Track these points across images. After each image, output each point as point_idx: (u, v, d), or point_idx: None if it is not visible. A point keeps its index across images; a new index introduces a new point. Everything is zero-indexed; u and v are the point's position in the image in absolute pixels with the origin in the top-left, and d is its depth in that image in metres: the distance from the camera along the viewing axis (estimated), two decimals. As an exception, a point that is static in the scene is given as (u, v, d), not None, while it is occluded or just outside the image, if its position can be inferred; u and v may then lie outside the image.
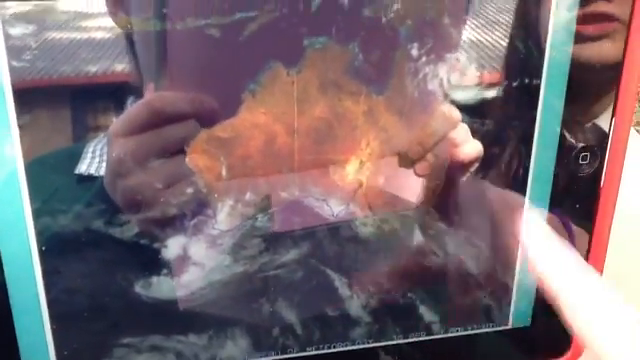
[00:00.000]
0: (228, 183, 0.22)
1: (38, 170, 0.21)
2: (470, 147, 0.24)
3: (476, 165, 0.24)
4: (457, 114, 0.24)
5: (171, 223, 0.23)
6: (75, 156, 0.22)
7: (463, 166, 0.24)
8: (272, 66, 0.21)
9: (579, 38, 0.23)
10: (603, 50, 0.24)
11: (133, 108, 0.21)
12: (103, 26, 0.20)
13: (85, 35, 0.20)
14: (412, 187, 0.25)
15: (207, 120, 0.22)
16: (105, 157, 0.22)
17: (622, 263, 0.33)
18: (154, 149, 0.22)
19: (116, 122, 0.21)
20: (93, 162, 0.22)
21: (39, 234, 0.22)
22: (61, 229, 0.22)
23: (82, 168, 0.22)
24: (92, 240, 0.22)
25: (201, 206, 0.23)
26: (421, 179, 0.24)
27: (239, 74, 0.21)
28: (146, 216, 0.22)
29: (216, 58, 0.21)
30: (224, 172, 0.22)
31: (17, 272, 0.22)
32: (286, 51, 0.21)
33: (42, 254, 0.22)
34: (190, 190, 0.22)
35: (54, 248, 0.22)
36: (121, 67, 0.21)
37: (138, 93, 0.21)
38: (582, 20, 0.23)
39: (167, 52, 0.21)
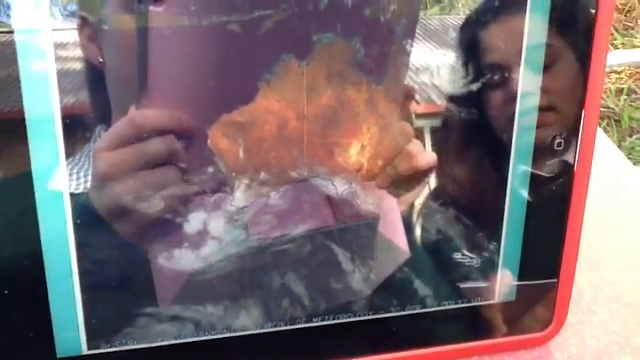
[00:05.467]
0: (245, 163, 0.25)
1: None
2: (426, 157, 0.27)
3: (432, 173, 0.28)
4: (411, 129, 0.27)
5: (193, 200, 0.25)
6: None
7: (421, 173, 0.27)
8: (285, 58, 0.24)
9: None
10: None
11: (118, 124, 0.24)
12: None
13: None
14: None
15: (185, 134, 0.24)
16: (83, 175, 0.24)
17: (597, 241, 0.37)
18: (137, 161, 0.24)
19: (102, 138, 0.24)
20: (72, 182, 0.24)
21: (74, 209, 0.24)
22: (93, 205, 0.24)
23: None
24: (121, 214, 0.24)
25: (220, 184, 0.25)
26: None
27: (256, 65, 0.24)
28: (171, 194, 0.25)
29: (236, 51, 0.24)
30: (241, 153, 0.25)
31: (53, 245, 0.24)
32: (298, 45, 0.24)
33: (76, 227, 0.24)
34: (211, 170, 0.25)
35: (87, 222, 0.24)
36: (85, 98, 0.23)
37: (107, 122, 0.24)
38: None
39: (153, 66, 0.23)
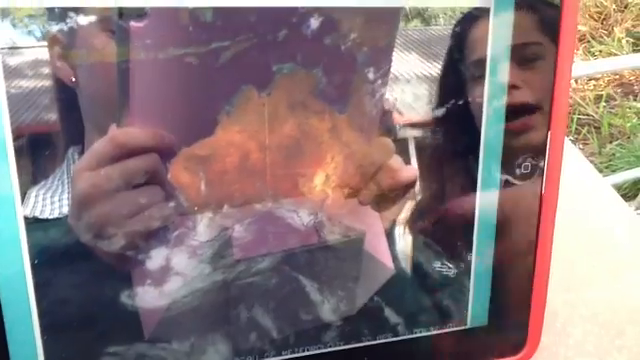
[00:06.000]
0: (207, 197, 0.25)
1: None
2: (407, 171, 0.27)
3: (413, 187, 0.27)
4: (392, 145, 0.27)
5: (155, 236, 0.24)
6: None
7: (403, 188, 0.27)
8: (245, 89, 0.24)
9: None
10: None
11: (98, 143, 0.23)
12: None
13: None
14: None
15: (167, 152, 0.24)
16: (57, 200, 0.24)
17: (570, 260, 0.36)
18: (119, 180, 0.24)
19: (82, 158, 0.23)
20: (37, 206, 0.24)
21: (31, 248, 0.23)
22: (52, 243, 0.24)
23: (27, 210, 0.23)
24: (81, 253, 0.24)
25: (182, 219, 0.25)
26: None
27: (215, 97, 0.24)
28: (131, 230, 0.24)
29: (194, 83, 0.23)
30: (203, 187, 0.24)
31: (10, 285, 0.23)
32: (257, 76, 0.24)
33: (34, 267, 0.23)
34: (172, 204, 0.24)
35: (45, 261, 0.24)
36: (56, 117, 0.23)
37: (80, 143, 0.23)
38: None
39: (134, 86, 0.23)
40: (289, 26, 0.24)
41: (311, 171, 0.26)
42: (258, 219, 0.25)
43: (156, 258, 0.25)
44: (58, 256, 0.24)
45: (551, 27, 0.27)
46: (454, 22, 0.26)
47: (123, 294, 0.25)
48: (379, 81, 0.25)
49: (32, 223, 0.23)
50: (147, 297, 0.25)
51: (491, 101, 0.27)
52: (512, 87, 0.27)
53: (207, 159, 0.24)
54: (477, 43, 0.26)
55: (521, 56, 0.27)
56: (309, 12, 0.24)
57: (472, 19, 0.26)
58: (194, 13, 0.23)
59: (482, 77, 0.27)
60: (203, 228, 0.25)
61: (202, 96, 0.24)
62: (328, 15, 0.24)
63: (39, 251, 0.23)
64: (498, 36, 0.26)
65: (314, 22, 0.24)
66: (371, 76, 0.25)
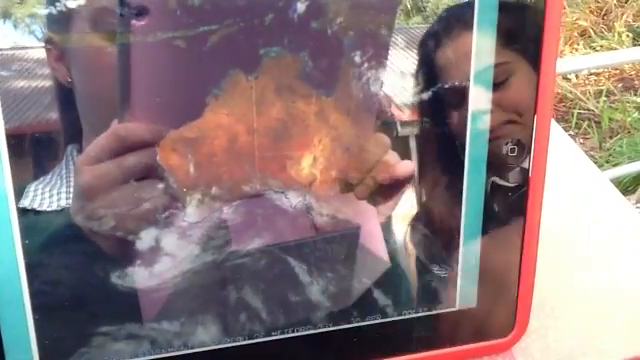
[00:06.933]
0: (196, 179, 0.25)
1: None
2: (403, 166, 0.28)
3: (411, 181, 0.28)
4: (387, 140, 0.27)
5: (145, 217, 0.25)
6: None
7: (400, 182, 0.28)
8: (233, 73, 0.24)
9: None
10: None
11: (100, 138, 0.24)
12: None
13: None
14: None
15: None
16: (56, 194, 0.24)
17: (561, 246, 0.37)
18: (121, 174, 0.24)
19: (84, 153, 0.24)
20: (35, 199, 0.24)
21: (23, 230, 0.24)
22: (43, 224, 0.24)
23: (25, 203, 0.24)
24: (72, 233, 0.24)
25: (172, 200, 0.25)
26: None
27: (204, 80, 0.24)
28: (122, 211, 0.25)
29: (182, 66, 0.24)
30: (192, 169, 0.25)
31: (1, 266, 0.24)
32: (245, 59, 0.24)
33: (25, 248, 0.24)
34: (161, 186, 0.25)
35: (36, 242, 0.24)
36: (55, 117, 0.23)
37: (78, 140, 0.24)
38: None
39: (134, 77, 0.23)
40: (276, 10, 0.24)
41: (299, 154, 0.26)
42: (247, 201, 0.26)
43: (146, 239, 0.25)
44: (51, 241, 0.24)
45: (537, 11, 0.27)
46: (440, 12, 0.27)
47: (114, 275, 0.25)
48: (365, 65, 0.26)
49: (28, 214, 0.24)
50: (138, 278, 0.25)
51: (477, 81, 0.27)
52: (498, 69, 0.27)
53: (195, 141, 0.25)
54: (462, 28, 0.27)
55: (506, 38, 0.27)
56: (295, -4, 0.24)
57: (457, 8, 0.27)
58: (182, -2, 0.23)
59: (468, 60, 0.27)
60: (192, 210, 0.25)
61: (190, 79, 0.24)
62: (314, -1, 0.24)
63: (32, 237, 0.24)
64: (484, 20, 0.27)
65: (300, 6, 0.24)
66: (357, 60, 0.25)
